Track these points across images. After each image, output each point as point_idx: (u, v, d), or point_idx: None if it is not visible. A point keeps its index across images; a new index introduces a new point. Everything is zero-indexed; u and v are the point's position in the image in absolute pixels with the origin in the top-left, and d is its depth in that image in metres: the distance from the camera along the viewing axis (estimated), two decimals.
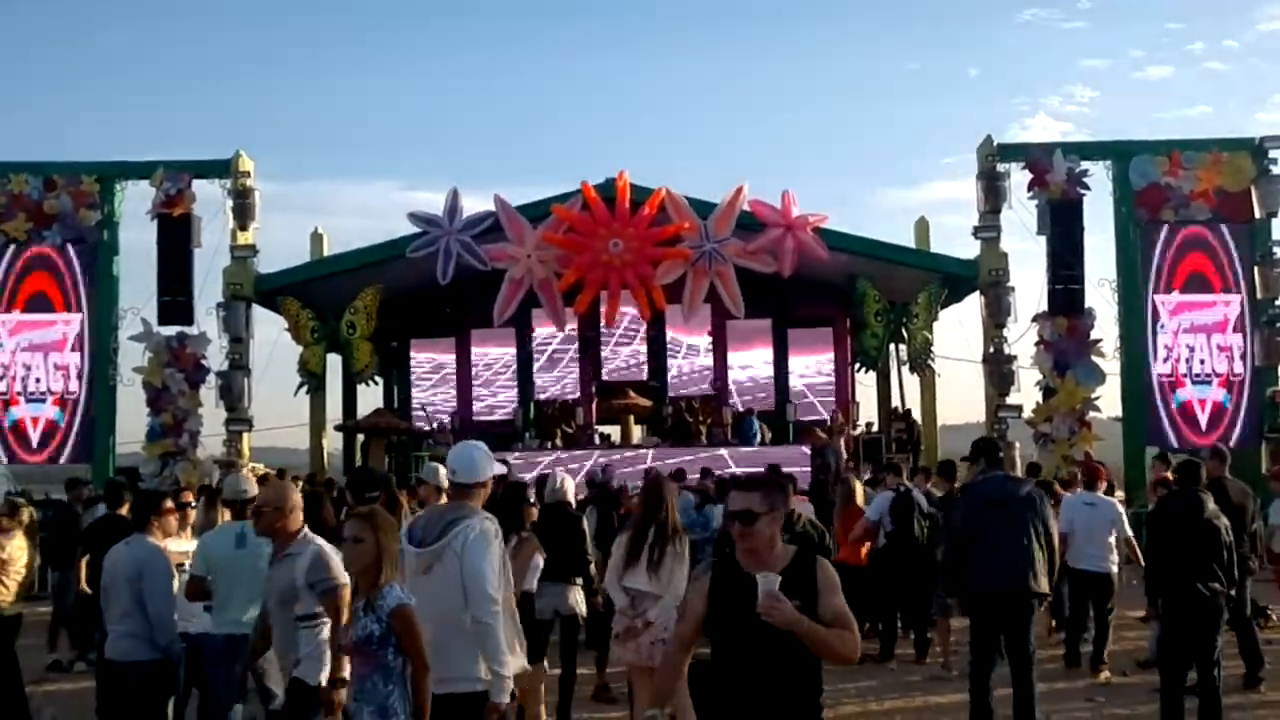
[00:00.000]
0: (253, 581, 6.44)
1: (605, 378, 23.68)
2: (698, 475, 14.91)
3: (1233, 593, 7.96)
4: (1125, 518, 10.80)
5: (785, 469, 14.95)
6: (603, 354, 23.75)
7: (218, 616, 6.67)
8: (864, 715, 9.20)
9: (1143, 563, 8.88)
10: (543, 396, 23.79)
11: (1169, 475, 10.13)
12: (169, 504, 7.10)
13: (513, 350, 23.92)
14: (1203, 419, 19.47)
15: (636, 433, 22.26)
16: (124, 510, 8.67)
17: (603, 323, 21.44)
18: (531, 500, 7.85)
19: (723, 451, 19.83)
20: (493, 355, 24.10)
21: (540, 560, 7.73)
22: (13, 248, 19.88)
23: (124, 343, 19.98)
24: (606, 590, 7.22)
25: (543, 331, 23.25)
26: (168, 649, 6.57)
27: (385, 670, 4.51)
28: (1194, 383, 19.58)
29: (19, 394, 19.75)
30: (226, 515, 7.23)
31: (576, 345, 23.59)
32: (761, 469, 18.29)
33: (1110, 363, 19.69)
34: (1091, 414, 19.49)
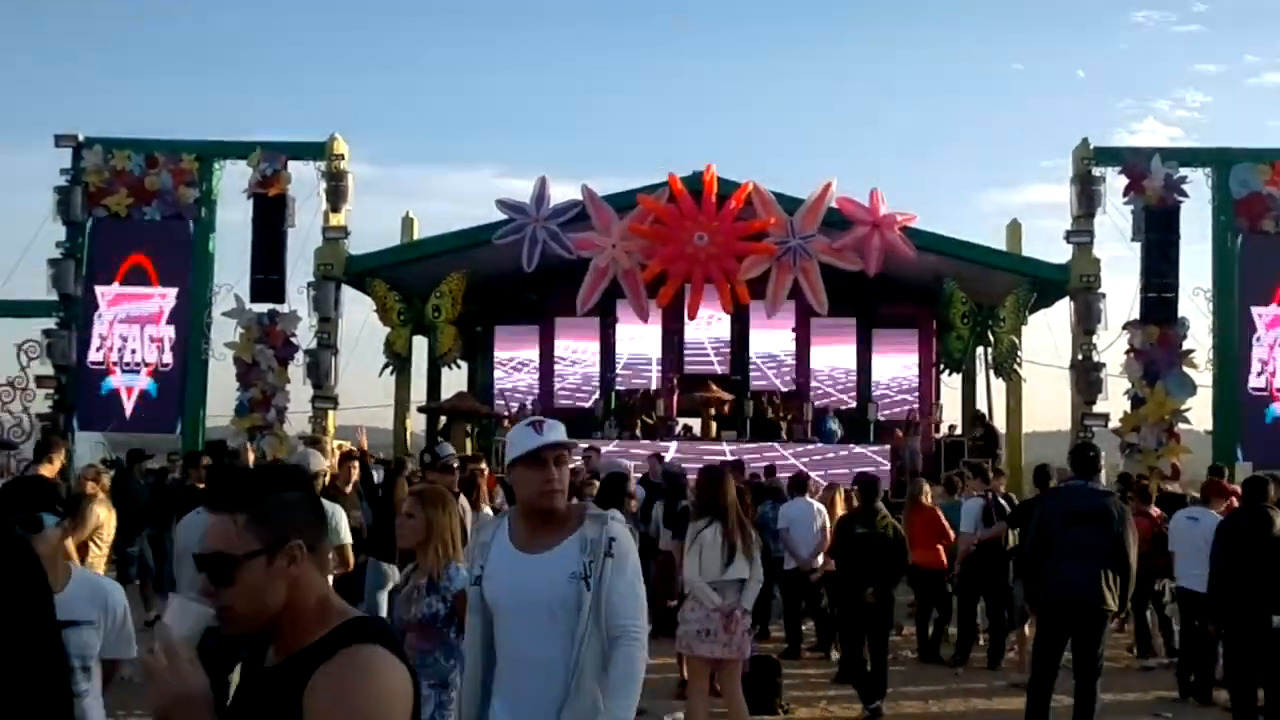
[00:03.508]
0: None
1: (687, 370, 23.73)
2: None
3: None
4: None
5: (866, 469, 14.89)
6: (685, 347, 23.80)
7: None
8: (923, 717, 9.14)
9: None
10: (624, 387, 23.91)
11: (1224, 483, 9.97)
12: None
13: (595, 340, 24.07)
14: None
15: (715, 426, 22.25)
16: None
17: (686, 315, 21.46)
18: (632, 491, 7.80)
19: (800, 448, 19.84)
20: (575, 344, 24.27)
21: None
22: (114, 222, 20.43)
23: (217, 318, 20.43)
24: (694, 593, 7.19)
25: (626, 322, 23.34)
26: None
27: (448, 648, 4.60)
28: None
29: (115, 364, 20.30)
30: None
31: (659, 337, 23.65)
32: (844, 469, 18.38)
33: (1202, 374, 19.25)
34: (1180, 426, 19.07)
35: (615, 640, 3.51)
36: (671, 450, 19.07)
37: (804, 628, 11.65)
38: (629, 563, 3.57)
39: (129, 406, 20.22)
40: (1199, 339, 19.33)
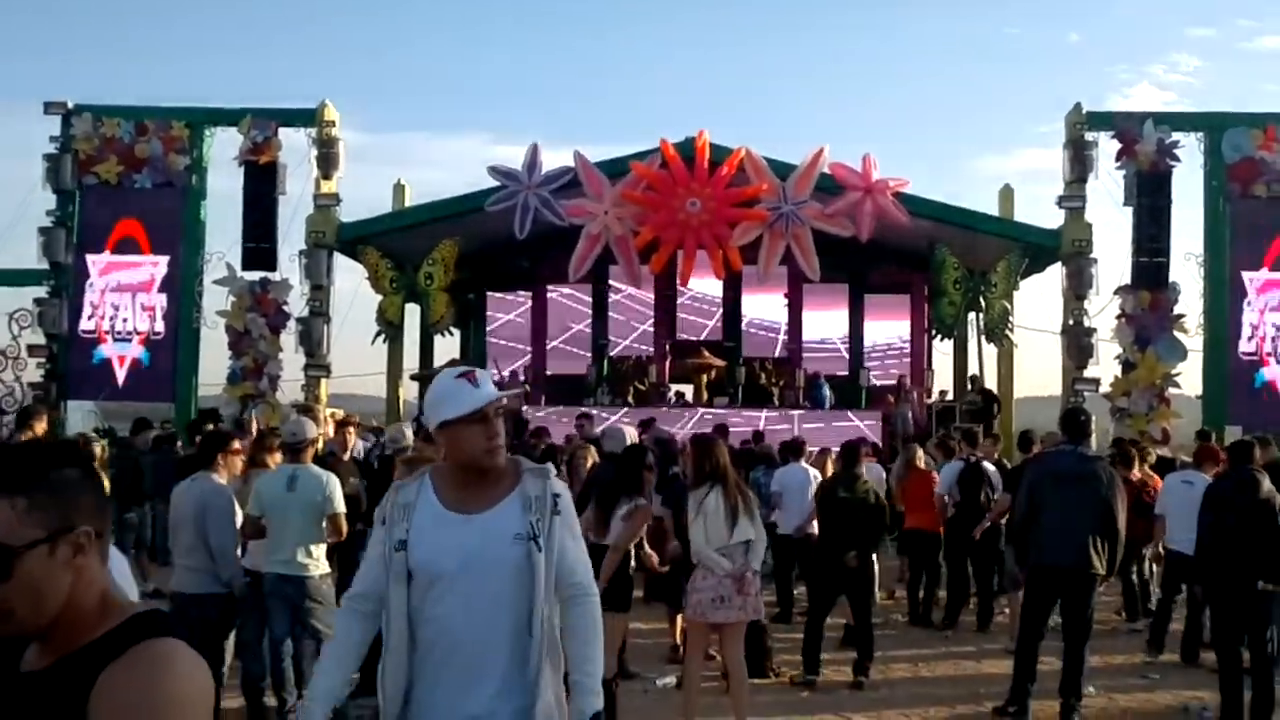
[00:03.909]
0: (302, 523, 6.67)
1: (679, 336, 23.75)
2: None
3: None
4: None
5: (858, 434, 14.96)
6: (677, 313, 23.82)
7: (270, 555, 6.91)
8: (913, 681, 9.22)
9: None
10: (616, 353, 23.94)
11: (1213, 447, 10.03)
12: (235, 444, 7.32)
13: (588, 306, 24.08)
14: None
15: (708, 392, 22.31)
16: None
17: (678, 282, 21.42)
18: (651, 464, 7.75)
19: (794, 414, 19.91)
20: (567, 310, 24.27)
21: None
22: (104, 190, 20.34)
23: (208, 286, 20.42)
24: (702, 559, 7.21)
25: (618, 288, 23.35)
26: (230, 583, 6.81)
27: None
28: (1278, 362, 19.14)
29: (107, 333, 20.27)
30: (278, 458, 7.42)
31: (652, 303, 23.67)
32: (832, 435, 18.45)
33: (1193, 339, 19.33)
34: (1171, 390, 19.15)
35: (574, 599, 3.31)
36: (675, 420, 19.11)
37: (795, 592, 11.73)
38: (574, 520, 3.35)
39: (121, 375, 20.21)
40: (1190, 304, 19.44)
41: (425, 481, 3.30)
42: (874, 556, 9.37)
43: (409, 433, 8.90)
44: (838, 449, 10.21)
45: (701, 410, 20.27)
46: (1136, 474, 11.42)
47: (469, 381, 3.24)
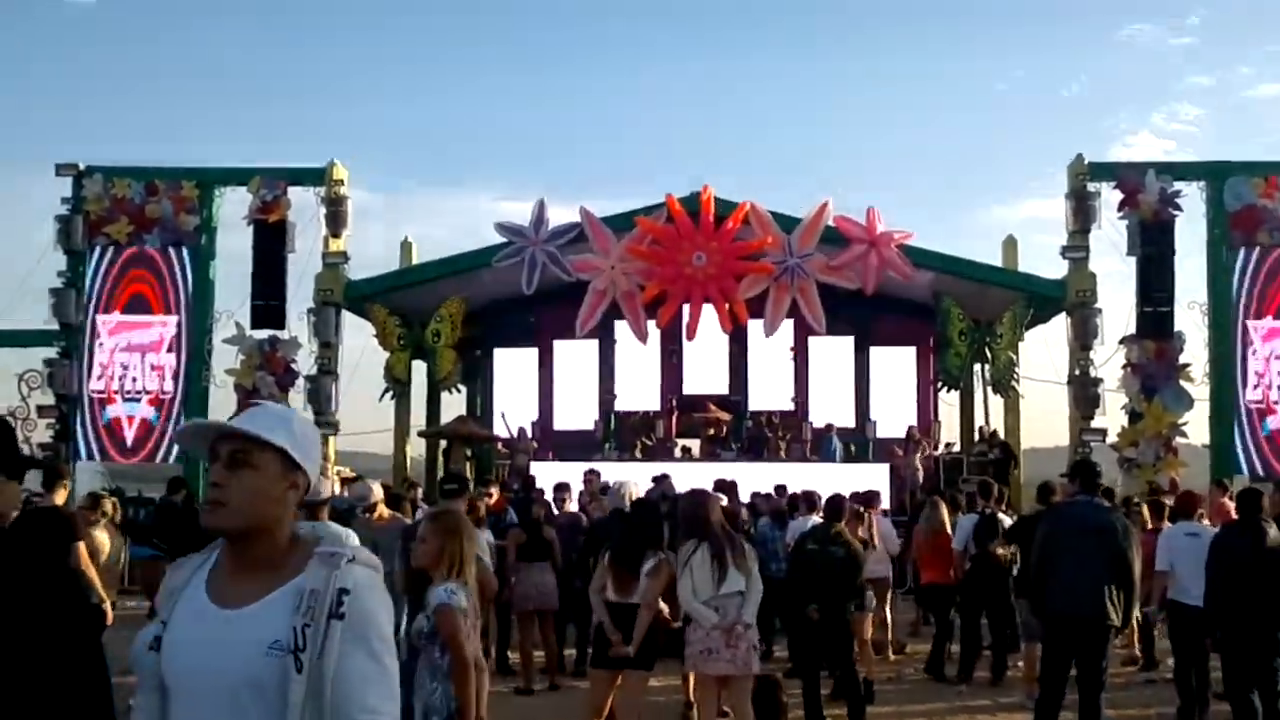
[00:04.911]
0: None
1: (685, 391, 23.80)
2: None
3: None
4: None
5: (866, 487, 14.94)
6: (684, 367, 23.89)
7: None
8: None
9: None
10: (623, 408, 23.97)
11: (1225, 502, 9.93)
12: None
13: (595, 361, 24.15)
14: None
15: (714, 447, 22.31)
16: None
17: (685, 336, 21.53)
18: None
19: (804, 468, 19.86)
20: (575, 366, 24.33)
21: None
22: (114, 250, 20.49)
23: (218, 345, 20.51)
24: (688, 612, 7.20)
25: (625, 343, 23.42)
26: None
27: (432, 668, 4.68)
28: None
29: (116, 393, 20.34)
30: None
31: (658, 357, 23.74)
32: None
33: (1199, 388, 19.34)
34: (1178, 440, 19.16)
35: None
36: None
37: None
38: (373, 628, 2.31)
39: (130, 435, 20.26)
40: (1195, 353, 19.47)
41: (212, 558, 2.42)
42: (850, 610, 9.18)
43: (377, 489, 8.87)
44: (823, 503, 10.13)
45: (709, 464, 20.23)
46: (1166, 524, 11.38)
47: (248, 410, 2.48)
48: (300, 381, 20.26)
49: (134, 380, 20.35)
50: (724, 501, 9.37)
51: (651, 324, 20.78)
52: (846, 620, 9.01)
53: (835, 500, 9.57)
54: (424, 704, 4.67)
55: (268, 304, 20.23)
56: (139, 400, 20.32)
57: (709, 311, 20.25)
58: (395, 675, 2.35)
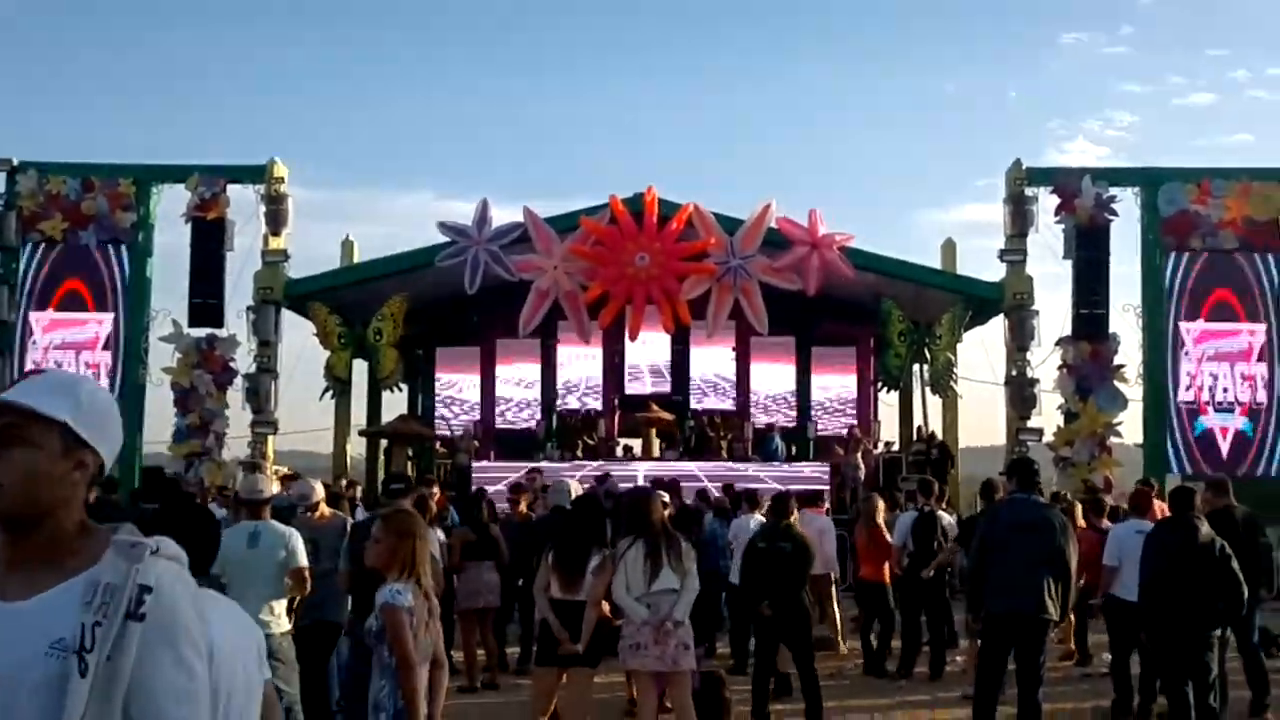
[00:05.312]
0: (266, 579, 6.63)
1: (628, 391, 23.84)
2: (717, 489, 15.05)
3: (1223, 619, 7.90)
4: None
5: (807, 485, 15.09)
6: (626, 367, 23.93)
7: None
8: None
9: None
10: (565, 408, 23.97)
11: (1150, 500, 10.10)
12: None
13: (537, 361, 24.12)
14: (1224, 447, 19.42)
15: (657, 446, 22.37)
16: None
17: (627, 336, 21.59)
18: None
19: (748, 468, 19.99)
20: (517, 365, 24.29)
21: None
22: (48, 246, 20.17)
23: (154, 343, 20.28)
24: (620, 607, 7.21)
25: (567, 343, 23.42)
26: None
27: (382, 666, 4.68)
28: (1216, 411, 19.56)
29: None
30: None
31: (600, 357, 23.76)
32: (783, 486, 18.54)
33: (1133, 389, 19.71)
34: (1112, 439, 19.51)
35: None
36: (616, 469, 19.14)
37: (750, 644, 11.73)
38: (182, 633, 1.95)
39: None
40: (1129, 354, 19.86)
41: None
42: (806, 604, 9.27)
43: (318, 487, 8.82)
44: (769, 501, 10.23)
45: (651, 464, 20.33)
46: (1106, 523, 11.59)
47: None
48: (238, 380, 20.06)
49: None
50: (665, 498, 9.37)
51: (594, 324, 20.81)
52: (804, 612, 9.09)
53: (781, 498, 9.66)
54: (373, 700, 4.67)
55: (205, 302, 20.02)
56: None
57: (652, 312, 20.30)
58: (207, 686, 2.00)
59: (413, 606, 4.71)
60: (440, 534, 9.54)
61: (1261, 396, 19.55)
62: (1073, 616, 10.70)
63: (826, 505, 13.06)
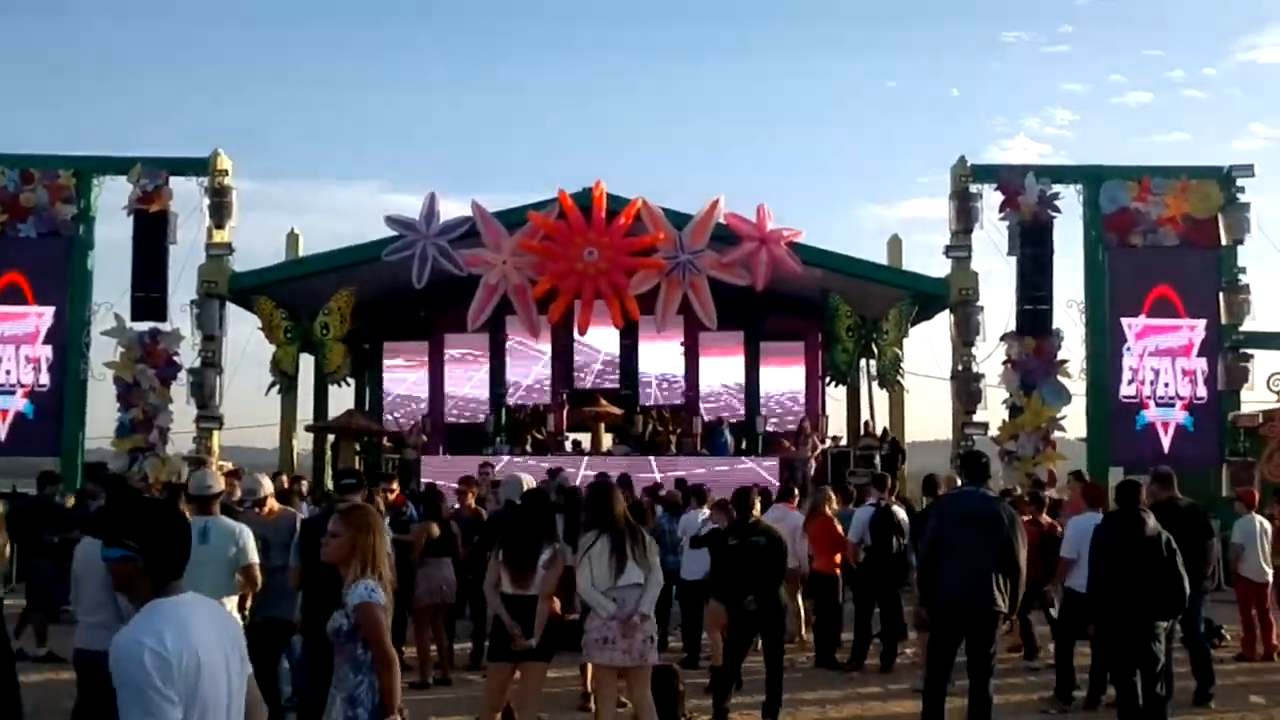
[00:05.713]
0: (215, 576, 6.56)
1: (577, 385, 23.81)
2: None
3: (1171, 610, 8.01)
4: None
5: (756, 480, 15.14)
6: (575, 362, 23.90)
7: None
8: None
9: None
10: (514, 402, 23.90)
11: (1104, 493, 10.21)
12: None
13: (485, 355, 24.01)
14: (1165, 441, 19.73)
15: (606, 440, 22.40)
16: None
17: (576, 331, 21.56)
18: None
19: (695, 460, 20.05)
20: (465, 360, 24.17)
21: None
22: None
23: (96, 337, 19.98)
24: (587, 602, 7.20)
25: (516, 337, 23.35)
26: None
27: (355, 662, 4.63)
28: (1158, 405, 19.87)
29: None
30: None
31: (549, 352, 23.70)
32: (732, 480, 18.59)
33: (1076, 383, 19.97)
34: (1056, 433, 19.75)
35: None
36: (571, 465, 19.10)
37: (703, 638, 11.76)
38: None
39: (3, 430, 19.63)
40: (1073, 349, 20.12)
41: None
42: (784, 597, 9.36)
43: (266, 483, 8.73)
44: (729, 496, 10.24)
45: (602, 458, 20.32)
46: (1047, 519, 11.71)
47: None
48: (182, 374, 19.82)
49: (7, 373, 19.70)
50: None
51: (543, 319, 20.76)
52: (781, 608, 9.13)
53: (743, 493, 9.64)
54: (349, 694, 4.61)
55: (148, 296, 19.76)
56: (13, 394, 19.67)
57: (601, 307, 20.28)
58: None
59: (386, 604, 4.68)
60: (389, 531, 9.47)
61: (1202, 391, 19.86)
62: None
63: (798, 499, 13.05)
